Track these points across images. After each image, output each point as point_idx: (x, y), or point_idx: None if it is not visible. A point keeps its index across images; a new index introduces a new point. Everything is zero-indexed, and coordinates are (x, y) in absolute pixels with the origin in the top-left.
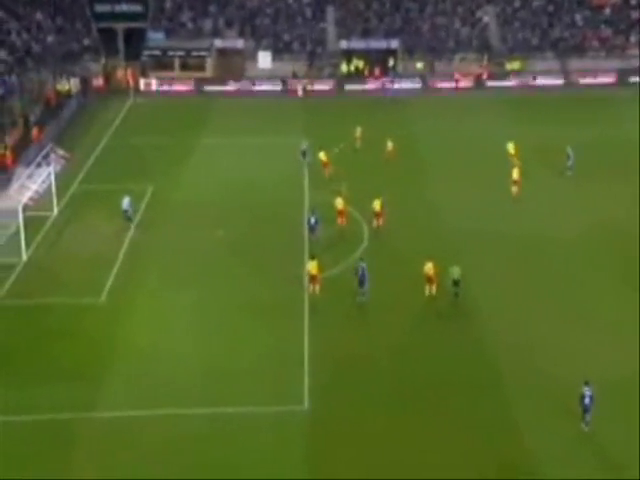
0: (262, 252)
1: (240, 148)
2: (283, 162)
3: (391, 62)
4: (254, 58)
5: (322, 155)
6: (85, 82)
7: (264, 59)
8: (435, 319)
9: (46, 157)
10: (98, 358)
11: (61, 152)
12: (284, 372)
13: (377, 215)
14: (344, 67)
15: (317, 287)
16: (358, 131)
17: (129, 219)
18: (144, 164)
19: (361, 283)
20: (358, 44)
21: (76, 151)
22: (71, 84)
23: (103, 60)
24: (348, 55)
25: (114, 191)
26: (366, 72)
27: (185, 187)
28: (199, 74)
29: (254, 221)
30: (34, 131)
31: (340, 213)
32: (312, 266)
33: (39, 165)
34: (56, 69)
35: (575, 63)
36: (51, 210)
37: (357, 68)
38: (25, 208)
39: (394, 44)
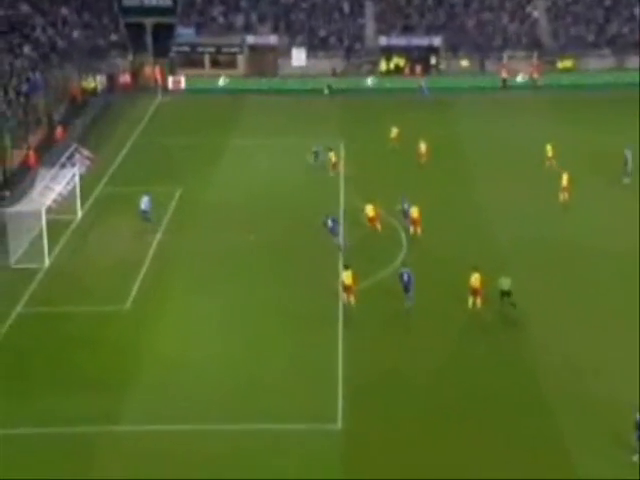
0: (295, 258)
1: (272, 149)
2: (315, 164)
3: (433, 60)
4: (288, 55)
5: (332, 155)
6: (111, 79)
7: (298, 56)
8: (478, 332)
9: (70, 158)
10: (122, 368)
11: (86, 152)
12: (316, 387)
13: (414, 222)
14: (383, 65)
15: (352, 297)
16: (394, 132)
17: (148, 220)
18: (172, 165)
19: (406, 289)
20: (398, 41)
21: (101, 151)
22: (97, 81)
23: (130, 56)
24: (387, 52)
25: (140, 194)
26: (406, 70)
27: (214, 189)
28: (230, 71)
29: (286, 225)
30: (58, 130)
31: (371, 220)
32: (346, 276)
33: (63, 166)
34: (82, 65)
35: (634, 61)
36: (75, 213)
37: (397, 66)
38: (48, 211)
39: (437, 41)
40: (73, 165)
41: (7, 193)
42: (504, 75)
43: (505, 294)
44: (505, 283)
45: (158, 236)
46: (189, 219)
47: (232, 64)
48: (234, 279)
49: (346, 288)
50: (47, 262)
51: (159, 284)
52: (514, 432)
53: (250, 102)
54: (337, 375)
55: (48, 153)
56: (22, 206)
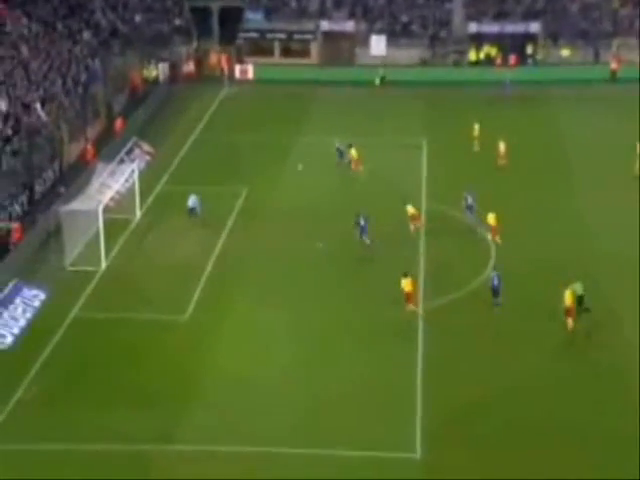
0: (368, 267)
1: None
2: (396, 164)
3: (530, 49)
4: (366, 43)
5: (353, 152)
6: (174, 68)
7: (378, 44)
8: (570, 354)
9: (129, 152)
10: (180, 383)
11: (146, 147)
12: (392, 411)
13: (492, 230)
14: (472, 55)
15: (412, 306)
16: (476, 129)
17: (195, 215)
18: (238, 163)
19: (495, 292)
20: (490, 28)
21: (162, 146)
22: (159, 70)
23: (195, 43)
24: (477, 41)
25: (203, 193)
26: (498, 61)
27: (283, 190)
28: (302, 60)
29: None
30: (117, 122)
31: (413, 217)
32: (405, 283)
33: (122, 161)
34: (143, 53)
35: None
36: (133, 213)
37: (488, 56)
38: (105, 210)
39: (534, 28)
40: (132, 160)
41: (62, 189)
42: (613, 66)
43: (579, 299)
44: (578, 288)
45: (221, 239)
46: (254, 222)
47: (304, 52)
48: (301, 289)
49: (407, 296)
50: (104, 265)
51: (221, 292)
52: (607, 467)
53: (323, 94)
54: (415, 398)
55: (106, 147)
56: (78, 204)
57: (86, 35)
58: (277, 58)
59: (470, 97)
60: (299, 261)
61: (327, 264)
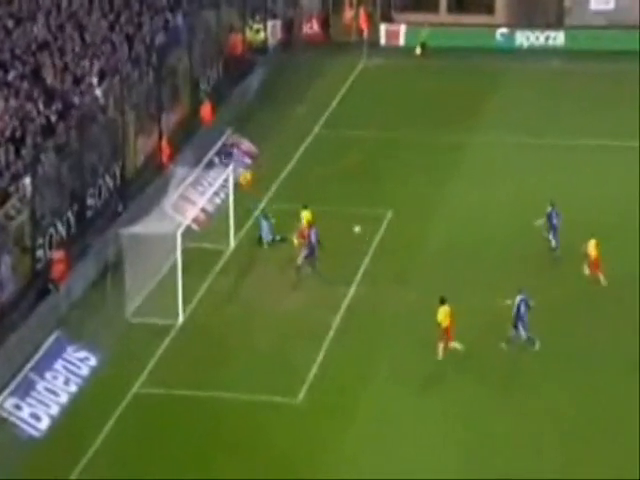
0: (577, 332)
1: (540, 153)
2: (614, 183)
3: None
4: None
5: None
6: (290, 28)
7: None
8: None
9: (222, 153)
10: None
11: (246, 145)
12: None
13: (592, 263)
14: None
15: (449, 344)
16: None
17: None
18: (378, 173)
19: (516, 326)
20: None
21: (269, 145)
22: (268, 32)
23: None
24: None
25: (328, 215)
26: None
27: (444, 214)
28: (482, 19)
29: (564, 278)
30: (205, 108)
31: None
32: (441, 313)
33: (211, 165)
34: (246, 6)
35: None
36: (226, 242)
37: None
38: (186, 236)
39: None
40: (226, 164)
41: (121, 207)
42: None
43: None
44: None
45: (351, 287)
46: (401, 263)
47: (486, 7)
48: (464, 368)
49: (443, 332)
50: (181, 317)
51: (347, 366)
52: None
53: (511, 70)
54: None
55: (188, 143)
56: (148, 226)
57: None
58: (443, 15)
59: None
60: (466, 325)
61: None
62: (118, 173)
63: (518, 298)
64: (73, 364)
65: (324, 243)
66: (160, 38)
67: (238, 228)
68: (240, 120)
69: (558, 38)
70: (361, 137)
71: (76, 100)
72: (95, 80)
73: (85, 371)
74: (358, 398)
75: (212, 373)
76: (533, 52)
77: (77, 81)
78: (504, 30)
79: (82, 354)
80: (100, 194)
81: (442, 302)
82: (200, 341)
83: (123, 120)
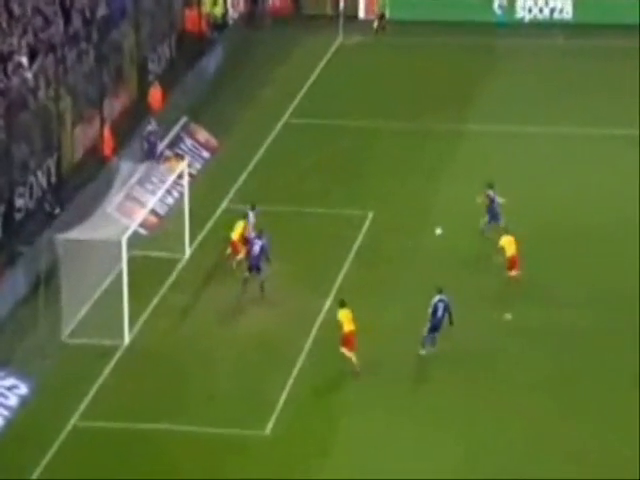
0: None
1: (547, 144)
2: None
3: None
4: None
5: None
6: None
7: None
8: None
9: (175, 144)
10: None
11: (203, 136)
12: None
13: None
14: None
15: (352, 354)
16: None
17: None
18: (357, 168)
19: (434, 327)
20: None
21: (230, 135)
22: (228, 3)
23: None
24: None
25: (299, 217)
26: None
27: (434, 215)
28: None
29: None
30: (154, 92)
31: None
32: (342, 315)
33: (161, 159)
34: None
35: None
36: (180, 249)
37: None
38: (133, 243)
39: None
40: (179, 158)
41: (56, 209)
42: None
43: None
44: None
45: (327, 302)
46: (383, 272)
47: None
48: (442, 394)
49: (344, 339)
50: (127, 338)
51: (321, 392)
52: None
53: (512, 48)
54: None
55: (136, 134)
56: (86, 232)
57: None
58: None
59: None
60: (456, 342)
61: (547, 357)
62: (53, 169)
63: (438, 298)
64: (0, 394)
65: (283, 255)
66: (102, 10)
67: (194, 233)
68: (196, 107)
69: (565, 9)
70: (338, 126)
71: (2, 83)
72: (25, 60)
73: (14, 401)
74: (333, 427)
75: (164, 403)
76: (536, 26)
77: (3, 60)
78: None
79: (10, 382)
80: (31, 194)
81: (342, 305)
82: (149, 366)
83: (58, 107)
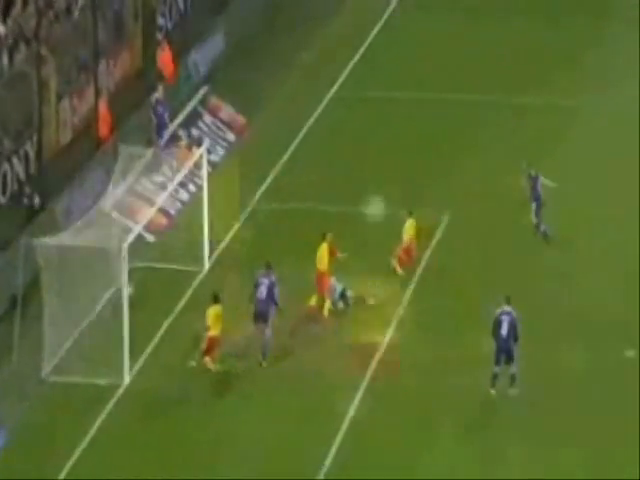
0: None
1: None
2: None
3: None
4: None
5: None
6: None
7: None
8: None
9: (192, 123)
10: None
11: (227, 111)
12: None
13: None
14: None
15: (209, 359)
16: None
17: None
18: (428, 155)
19: (500, 349)
20: None
21: (262, 112)
22: None
23: None
24: None
25: (350, 219)
26: None
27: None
28: None
29: None
30: (164, 54)
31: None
32: (210, 316)
33: (174, 142)
34: None
35: None
36: (197, 261)
37: None
38: (137, 250)
39: None
40: (196, 141)
41: (37, 203)
42: None
43: None
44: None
45: (390, 328)
46: (462, 292)
47: None
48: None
49: (209, 345)
50: (127, 376)
51: (378, 447)
52: None
53: None
54: None
55: (140, 109)
56: (75, 236)
57: None
58: None
59: None
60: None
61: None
62: (32, 154)
63: (502, 310)
64: None
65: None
66: None
67: (215, 240)
68: (218, 75)
69: None
70: (401, 100)
71: None
72: None
73: None
74: None
75: (175, 462)
76: None
77: None
78: None
79: None
80: (4, 187)
81: (215, 300)
82: (155, 413)
83: (39, 72)
